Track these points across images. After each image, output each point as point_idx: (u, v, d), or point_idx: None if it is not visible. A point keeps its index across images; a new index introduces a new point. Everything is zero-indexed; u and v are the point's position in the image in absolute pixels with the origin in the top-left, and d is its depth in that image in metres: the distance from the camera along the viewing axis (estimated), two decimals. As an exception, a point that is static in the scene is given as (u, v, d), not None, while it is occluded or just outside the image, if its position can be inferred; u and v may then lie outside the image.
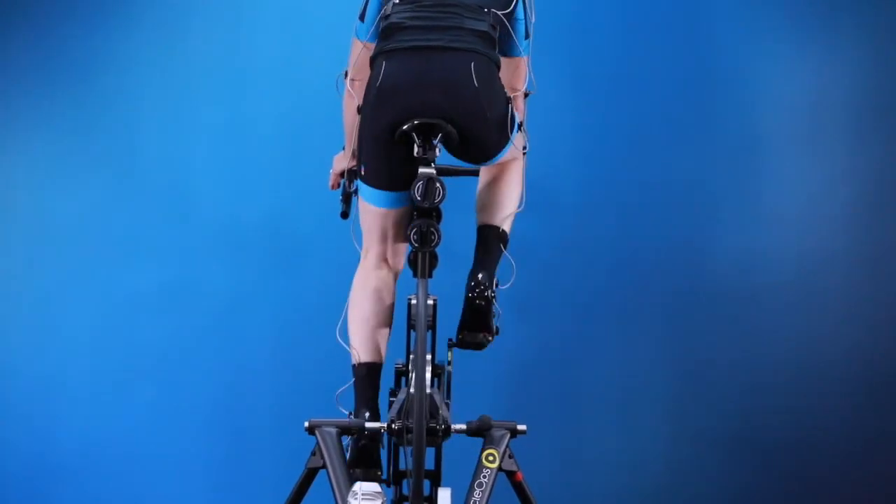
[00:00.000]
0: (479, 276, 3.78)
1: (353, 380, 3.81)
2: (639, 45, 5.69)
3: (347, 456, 3.72)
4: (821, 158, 5.66)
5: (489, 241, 3.85)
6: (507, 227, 3.88)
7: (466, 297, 3.78)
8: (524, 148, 3.94)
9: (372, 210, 3.82)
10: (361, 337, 3.82)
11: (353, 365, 3.82)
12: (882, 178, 5.63)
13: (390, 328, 3.86)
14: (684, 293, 5.62)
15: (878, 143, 5.64)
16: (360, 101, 3.79)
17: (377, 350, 3.82)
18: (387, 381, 3.92)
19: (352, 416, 3.78)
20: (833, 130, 5.66)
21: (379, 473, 3.73)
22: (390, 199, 3.80)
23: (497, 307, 3.79)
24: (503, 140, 3.77)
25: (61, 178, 5.64)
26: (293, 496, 3.77)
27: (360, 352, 3.81)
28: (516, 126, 3.82)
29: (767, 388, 5.58)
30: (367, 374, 3.80)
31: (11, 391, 5.56)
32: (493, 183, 3.92)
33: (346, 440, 3.76)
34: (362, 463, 3.71)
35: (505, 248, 3.87)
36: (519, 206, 3.91)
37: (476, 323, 3.77)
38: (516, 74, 3.87)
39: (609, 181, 5.65)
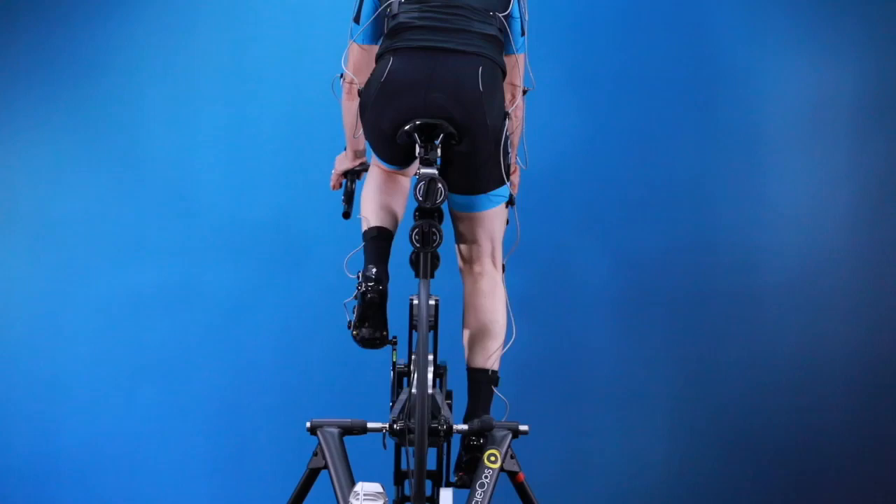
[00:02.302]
0: (476, 425, 3.79)
1: (363, 244, 3.80)
2: (641, 45, 5.68)
3: (353, 317, 3.69)
4: (823, 158, 5.66)
5: (480, 385, 3.87)
6: (496, 365, 3.90)
7: (464, 442, 3.81)
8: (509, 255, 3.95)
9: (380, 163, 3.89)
10: (374, 206, 3.83)
11: (364, 231, 3.81)
12: (884, 177, 5.62)
13: (402, 213, 3.86)
14: (686, 293, 5.61)
15: (881, 142, 5.64)
16: (361, 99, 3.80)
17: (389, 218, 3.82)
18: (387, 380, 3.92)
19: (359, 275, 3.74)
20: (835, 130, 5.65)
21: (385, 334, 3.70)
22: (396, 168, 3.87)
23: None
24: (496, 165, 3.76)
25: (64, 178, 5.65)
26: (295, 496, 3.77)
27: (371, 218, 3.81)
28: (507, 194, 3.83)
29: (770, 388, 5.58)
30: (378, 235, 3.78)
31: (14, 391, 5.56)
32: (478, 317, 3.89)
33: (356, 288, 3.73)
34: (367, 317, 3.69)
35: (496, 386, 3.90)
36: (509, 340, 3.92)
37: (473, 467, 3.75)
38: (515, 71, 3.88)
39: (611, 180, 5.65)
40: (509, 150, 3.81)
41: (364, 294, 3.68)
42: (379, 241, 3.77)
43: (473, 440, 3.78)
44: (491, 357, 3.89)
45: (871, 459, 5.56)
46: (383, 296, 3.69)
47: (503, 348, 3.92)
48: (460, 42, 3.69)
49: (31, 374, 5.57)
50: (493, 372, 3.89)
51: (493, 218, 3.87)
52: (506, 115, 3.76)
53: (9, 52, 5.69)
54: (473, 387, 3.89)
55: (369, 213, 3.83)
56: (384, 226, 3.80)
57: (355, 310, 3.72)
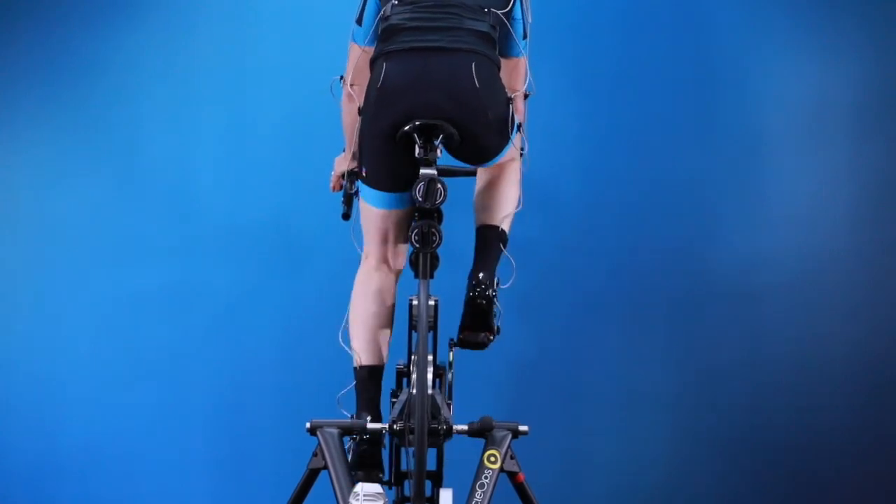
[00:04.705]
0: (480, 275, 3.76)
1: (355, 382, 3.81)
2: (641, 47, 5.68)
3: (349, 458, 3.72)
4: (823, 159, 5.66)
5: (489, 240, 3.84)
6: (506, 226, 3.86)
7: (467, 297, 3.77)
8: (522, 150, 3.93)
9: (373, 211, 3.83)
10: (363, 339, 3.81)
11: (355, 367, 3.82)
12: (884, 177, 5.63)
13: (391, 329, 3.86)
14: (687, 293, 5.62)
15: (881, 142, 5.64)
16: (361, 104, 3.80)
17: (379, 352, 3.82)
18: (388, 381, 3.92)
19: (353, 419, 3.77)
20: (835, 131, 5.66)
21: (381, 475, 3.73)
22: (391, 201, 3.80)
23: (498, 306, 3.79)
24: (503, 141, 3.77)
25: (64, 178, 5.65)
26: (295, 497, 3.77)
27: (362, 354, 3.81)
28: (515, 127, 3.82)
29: (770, 388, 5.58)
30: (369, 376, 3.79)
31: (14, 391, 5.57)
32: (491, 185, 3.89)
33: (348, 442, 3.75)
34: (364, 465, 3.71)
35: (504, 247, 3.85)
36: (517, 207, 3.90)
37: (477, 323, 3.75)
38: (515, 75, 3.87)
39: (611, 182, 5.65)
40: (517, 119, 3.80)
41: (360, 444, 3.71)
42: (370, 382, 3.78)
43: (480, 288, 3.75)
44: (503, 217, 3.85)
45: (872, 460, 5.56)
46: (377, 446, 3.72)
47: (513, 214, 3.88)
48: (451, 40, 3.68)
49: (31, 374, 5.57)
50: (503, 231, 3.86)
51: (509, 155, 3.86)
52: (509, 100, 3.75)
53: (9, 52, 5.69)
54: (482, 243, 3.84)
55: (359, 346, 3.81)
56: (375, 363, 3.80)
57: (351, 451, 3.73)
